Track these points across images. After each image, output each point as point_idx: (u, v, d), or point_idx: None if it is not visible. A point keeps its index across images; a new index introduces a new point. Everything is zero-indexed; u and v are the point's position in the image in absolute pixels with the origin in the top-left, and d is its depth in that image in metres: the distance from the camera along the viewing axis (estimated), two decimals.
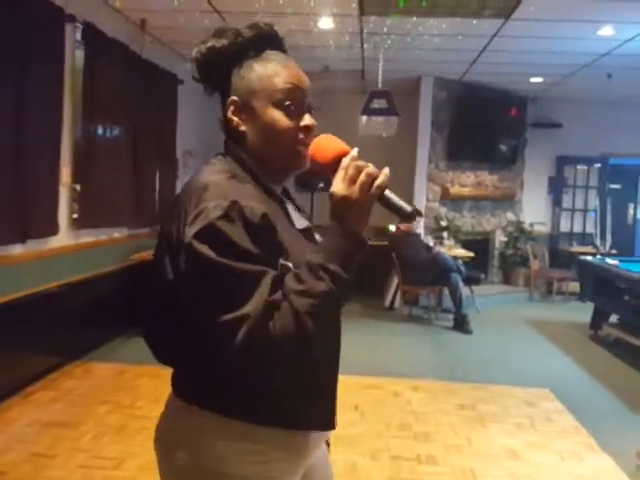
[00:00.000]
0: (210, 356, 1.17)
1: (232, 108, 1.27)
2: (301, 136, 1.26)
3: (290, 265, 1.14)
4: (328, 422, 1.30)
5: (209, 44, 1.27)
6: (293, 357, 1.11)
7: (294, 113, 1.26)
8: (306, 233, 1.30)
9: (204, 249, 1.09)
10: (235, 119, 1.27)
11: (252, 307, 1.06)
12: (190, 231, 1.12)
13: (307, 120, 1.27)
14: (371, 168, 1.14)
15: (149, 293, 1.32)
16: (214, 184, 1.18)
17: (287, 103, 1.25)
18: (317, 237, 1.34)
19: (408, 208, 1.15)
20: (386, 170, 1.15)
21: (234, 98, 1.27)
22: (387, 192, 1.15)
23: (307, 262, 1.11)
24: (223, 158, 1.29)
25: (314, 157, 1.21)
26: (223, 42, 1.27)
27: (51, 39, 4.52)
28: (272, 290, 1.09)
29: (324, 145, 1.21)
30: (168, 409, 1.33)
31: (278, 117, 1.25)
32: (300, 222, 1.32)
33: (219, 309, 1.08)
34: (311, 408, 1.26)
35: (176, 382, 1.31)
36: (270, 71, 1.26)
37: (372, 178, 1.13)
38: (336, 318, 1.19)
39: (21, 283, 4.36)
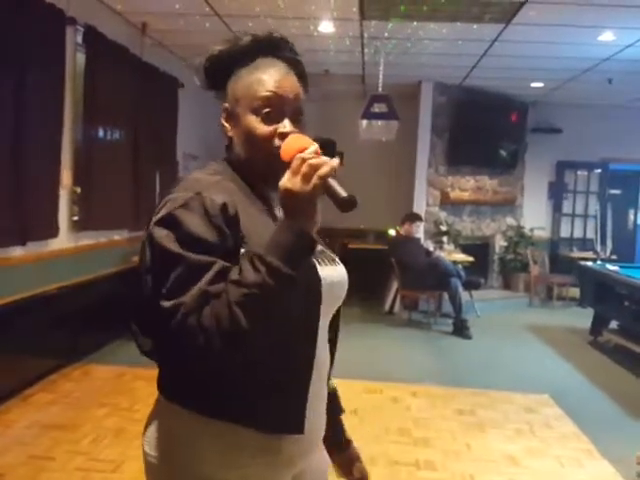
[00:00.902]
0: (158, 342, 1.19)
1: (224, 115, 1.32)
2: (277, 142, 1.24)
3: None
4: (295, 425, 1.25)
5: (209, 53, 1.33)
6: (229, 350, 1.07)
7: (273, 120, 1.26)
8: None
9: (160, 236, 1.13)
10: (225, 125, 1.32)
11: (188, 296, 1.07)
12: (153, 220, 1.17)
13: (282, 127, 1.26)
14: (316, 159, 1.11)
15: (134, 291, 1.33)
16: (191, 179, 1.24)
17: (265, 110, 1.25)
18: None
19: (343, 193, 1.10)
20: (334, 160, 1.13)
21: (225, 105, 1.32)
22: (330, 181, 1.11)
23: (247, 253, 1.11)
24: (220, 163, 1.33)
25: (283, 158, 1.19)
26: (221, 49, 1.31)
27: (52, 42, 4.52)
28: (213, 280, 1.08)
29: (289, 144, 1.20)
30: (153, 406, 1.34)
31: (254, 124, 1.26)
32: None
33: (164, 295, 1.10)
34: (274, 410, 1.22)
35: (157, 378, 1.32)
36: (254, 79, 1.27)
37: (314, 168, 1.10)
38: (277, 313, 1.11)
39: (21, 285, 4.36)
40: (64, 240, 4.91)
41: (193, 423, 1.21)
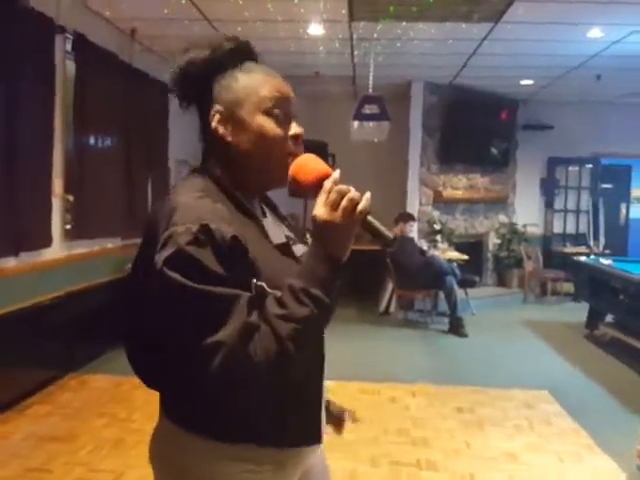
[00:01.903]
0: (189, 380, 1.15)
1: (217, 117, 1.25)
2: (290, 145, 1.25)
3: (264, 285, 1.13)
4: (314, 437, 1.29)
5: (189, 57, 1.27)
6: (272, 380, 1.09)
7: (282, 122, 1.26)
8: (283, 248, 1.28)
9: (175, 275, 1.07)
10: (221, 129, 1.25)
11: (227, 333, 1.04)
12: (160, 257, 1.10)
13: (295, 129, 1.27)
14: (353, 193, 1.13)
15: (127, 312, 1.34)
16: (184, 205, 1.15)
17: (276, 111, 1.25)
18: (296, 249, 1.32)
19: (390, 235, 1.16)
20: (368, 195, 1.14)
21: (218, 108, 1.25)
22: (369, 218, 1.15)
23: (289, 286, 1.10)
24: (199, 175, 1.28)
25: (296, 177, 1.19)
26: (204, 54, 1.27)
27: (41, 50, 4.51)
28: (249, 312, 1.07)
29: (306, 166, 1.19)
30: (159, 428, 1.32)
31: (268, 125, 1.24)
32: (277, 236, 1.30)
33: (194, 335, 1.06)
34: (296, 425, 1.25)
35: (163, 403, 1.31)
36: (256, 80, 1.26)
37: (354, 203, 1.12)
38: (317, 341, 1.18)
39: (15, 296, 4.33)
40: (57, 249, 4.89)
41: (207, 447, 1.21)
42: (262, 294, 1.12)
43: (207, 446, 1.20)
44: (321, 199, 1.13)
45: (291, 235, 1.38)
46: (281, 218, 1.43)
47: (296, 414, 1.24)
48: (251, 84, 1.25)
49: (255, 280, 1.13)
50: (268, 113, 1.24)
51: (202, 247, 1.08)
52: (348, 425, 1.61)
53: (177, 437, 1.24)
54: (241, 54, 1.30)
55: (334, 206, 1.11)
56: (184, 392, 1.21)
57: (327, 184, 1.14)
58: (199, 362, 1.06)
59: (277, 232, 1.33)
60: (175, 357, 1.16)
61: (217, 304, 1.06)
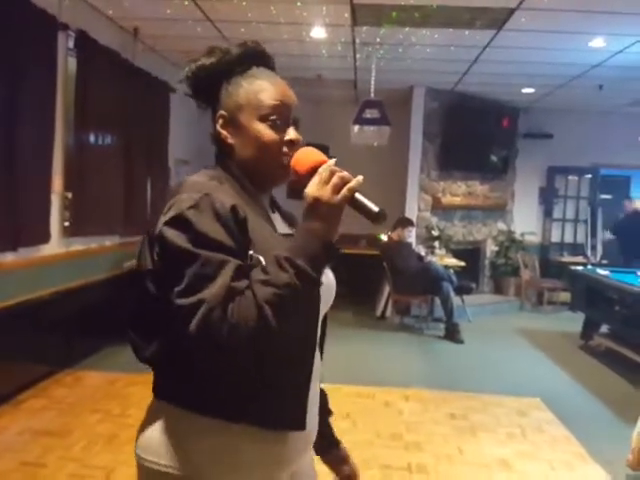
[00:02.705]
0: (173, 346, 1.18)
1: (220, 122, 1.33)
2: (285, 149, 1.31)
3: (260, 257, 1.17)
4: (297, 422, 1.28)
5: (199, 62, 1.34)
6: (252, 347, 1.10)
7: (279, 127, 1.31)
8: (287, 238, 1.30)
9: (171, 235, 1.14)
10: (223, 132, 1.33)
11: (209, 292, 1.07)
12: (162, 220, 1.17)
13: (291, 134, 1.32)
14: (344, 173, 1.17)
15: (132, 289, 1.34)
16: (192, 181, 1.25)
17: (273, 117, 1.30)
18: None
19: (375, 209, 1.17)
20: (360, 177, 1.18)
21: (222, 112, 1.33)
22: (357, 195, 1.17)
23: (275, 255, 1.13)
24: (212, 168, 1.35)
25: (295, 168, 1.25)
26: (212, 60, 1.33)
27: (44, 47, 4.52)
28: (234, 278, 1.10)
29: (303, 156, 1.25)
30: (146, 413, 1.34)
31: (264, 130, 1.30)
32: (283, 229, 1.36)
33: (178, 294, 1.10)
34: (279, 406, 1.25)
35: (153, 384, 1.32)
36: (257, 87, 1.32)
37: (344, 181, 1.16)
38: (301, 315, 1.18)
39: (12, 291, 4.34)
40: (55, 246, 4.90)
41: (194, 423, 1.22)
42: (257, 266, 1.16)
43: (191, 418, 1.22)
44: (314, 179, 1.18)
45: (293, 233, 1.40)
46: (289, 222, 1.46)
47: (281, 395, 1.24)
48: (252, 90, 1.31)
49: (252, 252, 1.17)
50: (265, 119, 1.30)
51: (201, 212, 1.14)
52: None
53: (159, 412, 1.27)
54: (250, 59, 1.36)
55: (324, 183, 1.16)
56: (171, 360, 1.23)
57: (322, 168, 1.19)
58: (180, 321, 1.09)
59: (283, 226, 1.38)
60: (162, 320, 1.19)
61: (205, 266, 1.10)
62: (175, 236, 1.13)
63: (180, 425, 1.24)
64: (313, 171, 1.20)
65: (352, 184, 1.16)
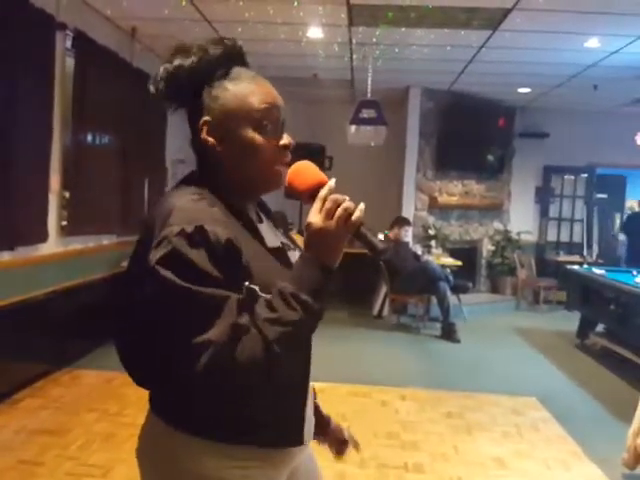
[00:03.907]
0: (176, 378, 1.17)
1: (206, 129, 1.25)
2: (279, 155, 1.27)
3: (256, 288, 1.14)
4: (296, 439, 1.30)
5: (176, 63, 1.25)
6: (257, 382, 1.12)
7: (271, 132, 1.26)
8: (278, 252, 1.29)
9: (168, 274, 1.09)
10: (210, 140, 1.25)
11: (216, 332, 1.06)
12: (154, 256, 1.11)
13: (285, 139, 1.28)
14: (348, 203, 1.16)
15: (118, 310, 1.34)
16: (180, 208, 1.16)
17: (264, 123, 1.25)
18: (291, 255, 1.34)
19: (381, 246, 1.18)
20: (362, 206, 1.17)
21: (207, 118, 1.25)
22: (362, 228, 1.17)
23: (280, 290, 1.12)
24: (193, 180, 1.29)
25: (292, 183, 1.22)
26: (191, 60, 1.25)
27: (41, 47, 4.53)
28: (238, 314, 1.09)
29: (303, 173, 1.22)
30: (147, 425, 1.34)
31: (256, 138, 1.25)
32: (272, 241, 1.32)
33: (183, 334, 1.08)
34: (278, 426, 1.26)
35: (151, 400, 1.33)
36: (245, 90, 1.26)
37: (349, 213, 1.15)
38: (304, 345, 1.20)
39: (9, 290, 4.34)
40: (53, 245, 4.91)
41: (197, 443, 1.22)
42: (254, 296, 1.13)
43: (192, 443, 1.22)
44: (316, 207, 1.16)
45: (286, 241, 1.39)
46: (276, 224, 1.44)
47: (278, 415, 1.25)
48: (240, 94, 1.25)
49: (247, 283, 1.14)
50: (257, 126, 1.25)
51: (196, 248, 1.10)
52: (350, 450, 1.62)
53: (164, 433, 1.26)
54: (230, 58, 1.29)
55: (329, 214, 1.14)
56: (172, 390, 1.23)
57: (323, 192, 1.16)
58: (186, 360, 1.07)
59: (272, 237, 1.34)
60: (164, 355, 1.17)
61: (207, 304, 1.08)
62: (172, 276, 1.09)
63: (173, 442, 1.24)
64: (313, 190, 1.18)
65: (356, 216, 1.15)
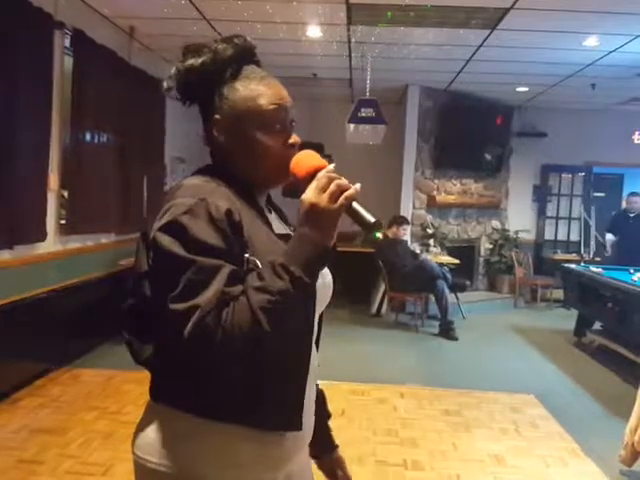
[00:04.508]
0: (167, 348, 1.19)
1: (217, 126, 1.30)
2: (286, 154, 1.29)
3: (256, 260, 1.17)
4: (293, 423, 1.30)
5: (188, 63, 1.28)
6: (245, 353, 1.11)
7: (279, 131, 1.29)
8: (285, 238, 1.29)
9: (165, 241, 1.14)
10: (221, 138, 1.30)
11: (203, 298, 1.08)
12: (157, 225, 1.17)
13: (292, 139, 1.31)
14: (342, 180, 1.17)
15: (128, 290, 1.35)
16: (189, 185, 1.23)
17: (272, 123, 1.28)
18: None
19: (371, 219, 1.18)
20: (357, 185, 1.18)
21: (217, 117, 1.29)
22: (355, 204, 1.18)
23: (270, 262, 1.13)
24: (208, 171, 1.32)
25: (293, 171, 1.25)
26: (202, 60, 1.28)
27: (40, 46, 4.53)
28: (228, 283, 1.11)
29: (303, 160, 1.25)
30: (143, 413, 1.34)
31: (264, 139, 1.28)
32: (280, 228, 1.35)
33: (173, 299, 1.10)
34: (276, 408, 1.26)
35: (150, 386, 1.33)
36: (254, 91, 1.28)
37: (342, 189, 1.16)
38: (295, 319, 1.17)
39: (8, 289, 4.35)
40: (52, 244, 4.92)
41: (189, 424, 1.23)
42: (253, 269, 1.16)
43: (190, 421, 1.22)
44: (312, 185, 1.17)
45: (292, 231, 1.40)
46: (286, 222, 1.46)
47: (277, 397, 1.25)
48: (249, 96, 1.28)
49: (247, 255, 1.17)
50: (265, 127, 1.28)
51: (195, 218, 1.14)
52: None
53: (156, 413, 1.27)
54: (241, 57, 1.32)
55: (322, 190, 1.15)
56: (166, 363, 1.24)
57: (320, 174, 1.18)
58: (173, 326, 1.09)
59: (280, 226, 1.37)
60: (157, 325, 1.20)
61: (200, 272, 1.10)
62: (169, 242, 1.13)
63: (175, 425, 1.24)
64: (312, 176, 1.20)
65: (349, 192, 1.16)
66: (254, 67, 1.33)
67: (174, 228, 1.14)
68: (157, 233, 1.16)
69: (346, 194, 1.16)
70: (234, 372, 1.17)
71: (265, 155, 1.29)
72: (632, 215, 8.20)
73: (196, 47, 1.30)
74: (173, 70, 1.30)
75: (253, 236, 1.20)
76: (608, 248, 8.69)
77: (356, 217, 1.18)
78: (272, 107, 1.28)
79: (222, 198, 1.19)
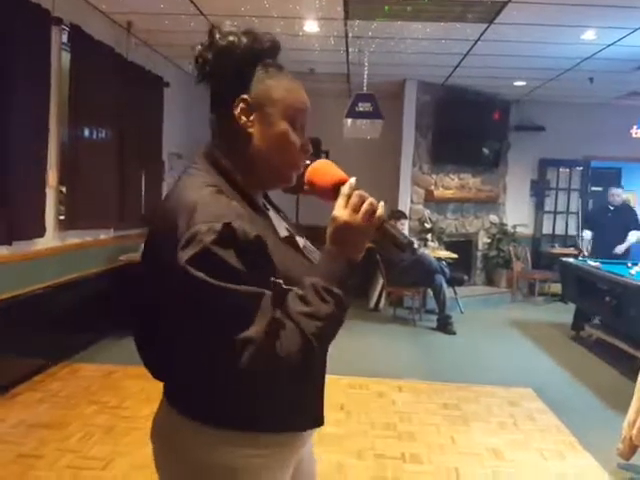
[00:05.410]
0: (218, 376, 1.19)
1: (242, 106, 1.26)
2: (300, 156, 1.30)
3: (280, 281, 1.17)
4: (317, 419, 1.36)
5: (230, 38, 1.25)
6: (295, 374, 1.15)
7: (299, 132, 1.31)
8: (289, 240, 1.33)
9: (200, 275, 1.09)
10: (244, 118, 1.26)
11: (255, 329, 1.09)
12: (184, 255, 1.10)
13: (308, 145, 1.32)
14: (372, 198, 1.20)
15: (138, 305, 1.35)
16: (203, 204, 1.16)
17: (295, 120, 1.29)
18: (299, 241, 1.37)
19: (405, 240, 1.21)
20: (382, 203, 1.21)
21: (245, 97, 1.26)
22: (385, 223, 1.21)
23: (313, 285, 1.15)
24: (204, 167, 1.28)
25: (312, 181, 1.25)
26: (244, 42, 1.26)
27: (37, 41, 4.52)
28: (273, 309, 1.12)
29: (324, 170, 1.25)
30: (162, 413, 1.35)
31: (290, 133, 1.28)
32: (282, 230, 1.35)
33: (222, 332, 1.10)
34: (304, 410, 1.32)
35: (167, 392, 1.34)
36: (289, 86, 1.30)
37: (374, 208, 1.19)
38: (335, 337, 1.22)
39: (7, 285, 4.36)
40: (50, 239, 4.92)
41: (212, 434, 1.24)
42: (279, 290, 1.16)
43: (208, 432, 1.24)
44: (341, 202, 1.19)
45: (290, 228, 1.42)
46: (278, 211, 1.47)
47: (301, 400, 1.30)
48: (288, 88, 1.29)
49: (274, 278, 1.17)
50: (292, 122, 1.29)
51: (226, 246, 1.10)
52: None
53: (179, 423, 1.27)
54: (270, 53, 1.32)
55: (355, 209, 1.18)
56: (192, 382, 1.25)
57: (346, 188, 1.20)
58: (228, 359, 1.10)
59: (280, 225, 1.37)
60: (191, 350, 1.20)
61: (244, 302, 1.10)
62: (205, 275, 1.08)
63: (200, 435, 1.25)
64: (334, 187, 1.21)
65: (380, 212, 1.19)
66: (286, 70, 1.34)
67: (206, 259, 1.09)
68: (188, 266, 1.10)
69: (378, 214, 1.19)
70: (279, 388, 1.22)
71: (286, 147, 1.28)
72: (612, 208, 8.24)
73: (234, 29, 1.28)
74: (210, 42, 1.26)
75: (274, 254, 1.19)
76: (586, 246, 8.74)
77: (387, 236, 1.21)
78: (301, 106, 1.31)
79: (243, 219, 1.15)
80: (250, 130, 1.27)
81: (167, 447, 1.33)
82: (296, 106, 1.29)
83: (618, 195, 8.20)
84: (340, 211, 1.18)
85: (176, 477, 1.32)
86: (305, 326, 1.12)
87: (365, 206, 1.18)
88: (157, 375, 1.34)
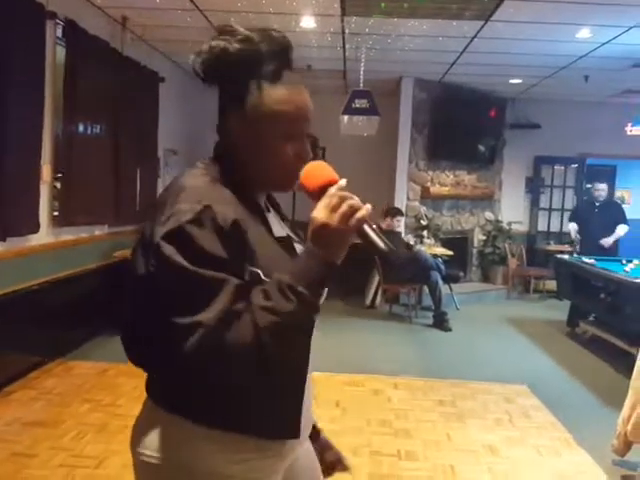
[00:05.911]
0: (167, 359, 1.17)
1: (237, 119, 1.26)
2: (296, 165, 1.26)
3: (259, 272, 1.15)
4: (292, 431, 1.30)
5: (222, 45, 1.23)
6: (247, 370, 1.10)
7: (295, 141, 1.27)
8: (284, 242, 1.30)
9: (170, 251, 1.10)
10: (237, 130, 1.27)
11: (208, 315, 1.06)
12: (160, 231, 1.12)
13: (305, 153, 1.29)
14: (354, 200, 1.15)
15: (125, 291, 1.33)
16: (192, 187, 1.18)
17: (290, 133, 1.26)
18: (297, 246, 1.34)
19: (383, 246, 1.16)
20: (368, 206, 1.16)
21: (237, 111, 1.26)
22: (366, 227, 1.16)
23: (277, 280, 1.12)
24: (209, 163, 1.29)
25: (303, 183, 1.22)
26: (236, 47, 1.23)
27: (32, 36, 4.49)
28: (233, 299, 1.09)
29: (314, 172, 1.22)
30: (144, 413, 1.33)
31: (280, 148, 1.25)
32: (279, 231, 1.33)
33: (176, 312, 1.08)
34: (275, 418, 1.26)
35: (147, 384, 1.33)
36: (282, 97, 1.24)
37: (353, 210, 1.14)
38: (299, 339, 1.17)
39: (1, 281, 4.33)
40: (45, 236, 4.89)
41: (194, 429, 1.22)
42: (256, 281, 1.14)
43: (188, 427, 1.22)
44: (322, 202, 1.15)
45: (292, 235, 1.40)
46: (284, 218, 1.45)
47: (275, 407, 1.25)
48: (277, 100, 1.24)
49: (251, 267, 1.15)
50: (283, 135, 1.25)
51: (202, 227, 1.10)
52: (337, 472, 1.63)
53: (160, 418, 1.26)
54: (275, 55, 1.28)
55: (333, 210, 1.13)
56: (166, 372, 1.23)
57: (332, 189, 1.16)
58: (175, 340, 1.07)
59: (279, 227, 1.35)
60: (159, 335, 1.17)
61: (204, 286, 1.08)
62: (174, 252, 1.09)
63: (177, 429, 1.24)
64: (322, 190, 1.18)
65: (361, 214, 1.14)
66: (290, 72, 1.30)
67: (179, 237, 1.10)
68: (161, 241, 1.11)
69: (358, 216, 1.14)
70: (233, 386, 1.17)
71: (274, 161, 1.26)
72: (597, 204, 8.26)
73: (229, 31, 1.25)
74: (205, 47, 1.24)
75: (256, 245, 1.18)
76: (574, 237, 8.76)
77: (366, 240, 1.17)
78: (294, 117, 1.26)
79: (227, 205, 1.16)
80: (242, 142, 1.27)
81: (145, 442, 1.28)
82: (290, 116, 1.25)
83: (603, 190, 8.24)
84: (319, 211, 1.14)
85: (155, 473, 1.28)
86: (260, 319, 1.08)
87: (343, 207, 1.13)
88: (135, 361, 1.32)
